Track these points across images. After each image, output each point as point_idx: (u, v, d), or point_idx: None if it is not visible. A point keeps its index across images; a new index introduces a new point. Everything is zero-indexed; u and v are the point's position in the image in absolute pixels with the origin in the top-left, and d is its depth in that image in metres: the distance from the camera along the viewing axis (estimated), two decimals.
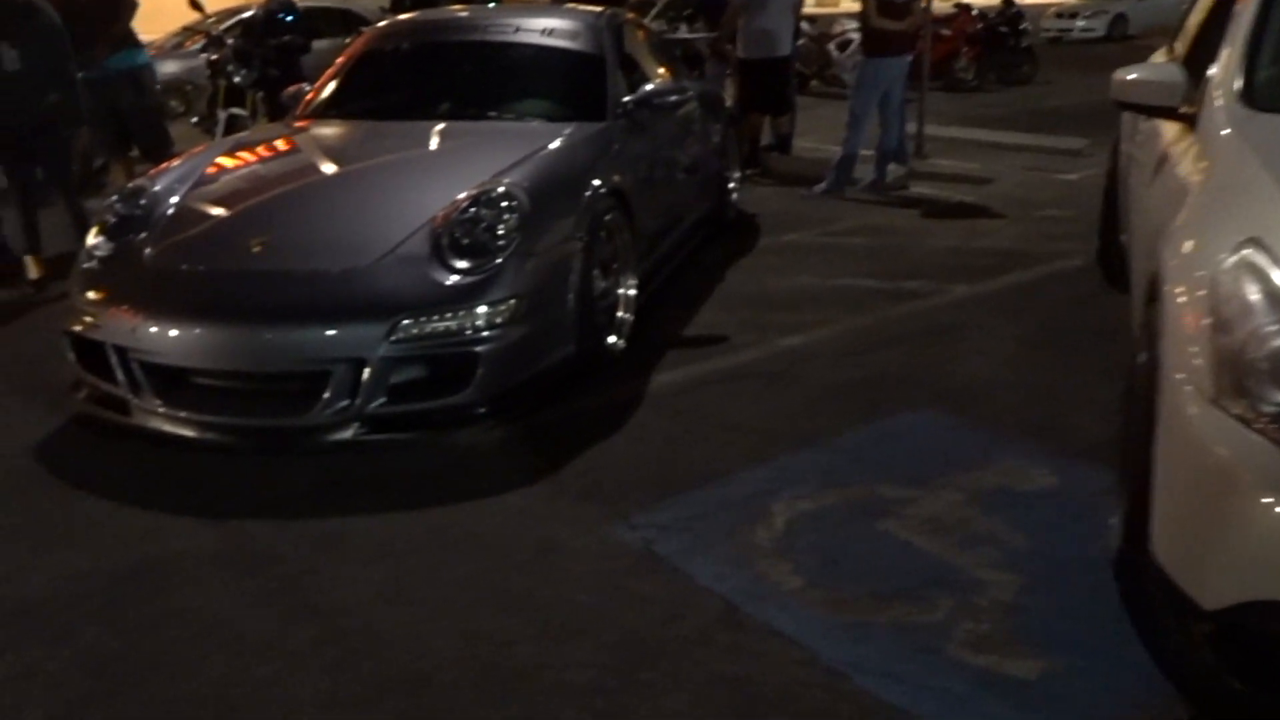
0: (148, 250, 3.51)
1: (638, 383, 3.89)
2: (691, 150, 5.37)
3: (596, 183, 3.91)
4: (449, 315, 3.21)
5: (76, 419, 3.65)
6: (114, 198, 3.81)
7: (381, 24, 5.25)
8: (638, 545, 2.77)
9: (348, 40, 11.26)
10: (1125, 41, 22.49)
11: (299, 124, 4.61)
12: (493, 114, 4.46)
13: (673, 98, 4.65)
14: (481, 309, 3.24)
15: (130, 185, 3.88)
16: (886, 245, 5.94)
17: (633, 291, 4.21)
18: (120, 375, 3.37)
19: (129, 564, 2.77)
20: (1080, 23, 23.38)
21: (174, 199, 3.76)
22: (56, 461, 3.41)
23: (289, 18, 8.91)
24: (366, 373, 3.16)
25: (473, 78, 4.76)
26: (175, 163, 4.11)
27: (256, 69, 8.43)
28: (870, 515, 2.87)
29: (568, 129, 4.17)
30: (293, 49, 8.90)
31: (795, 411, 3.63)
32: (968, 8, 14.23)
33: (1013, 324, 4.49)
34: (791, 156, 8.66)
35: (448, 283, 3.26)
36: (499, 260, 3.32)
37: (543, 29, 4.80)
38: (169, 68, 11.58)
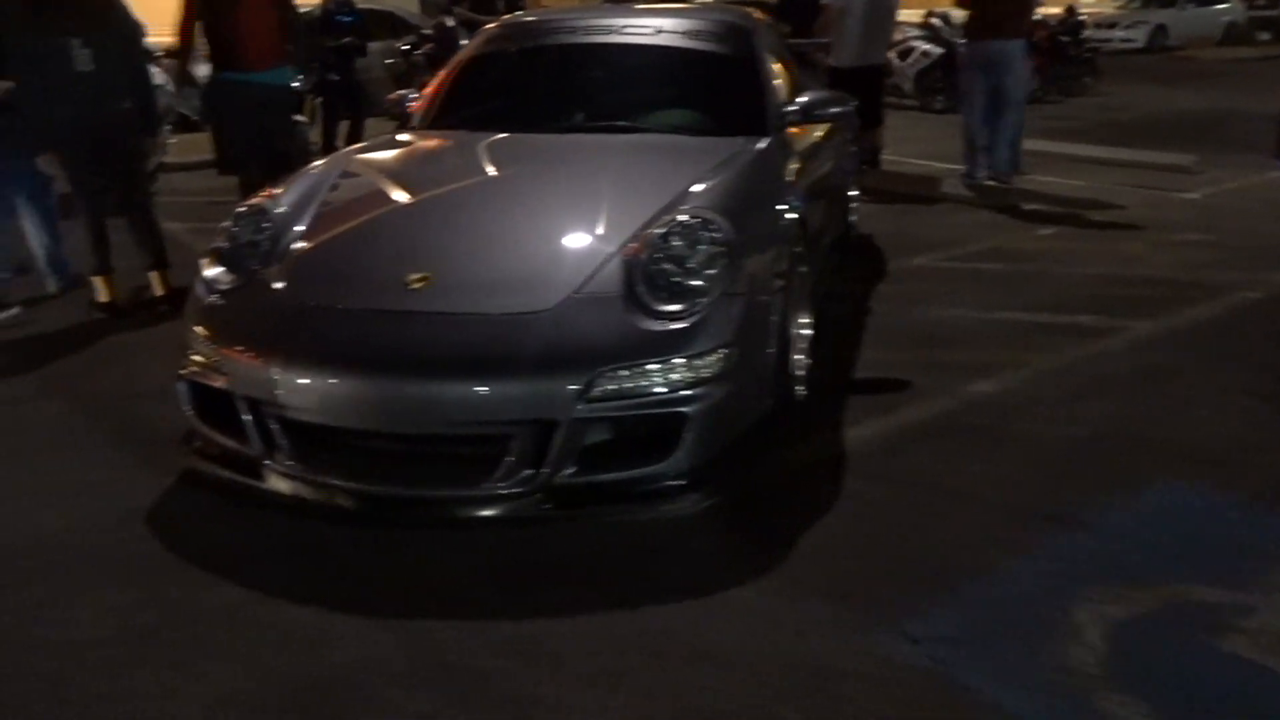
0: (280, 284, 2.99)
1: (829, 440, 3.37)
2: (833, 165, 4.86)
3: (785, 208, 3.39)
4: (653, 369, 2.68)
5: (188, 477, 3.12)
6: (228, 222, 3.28)
7: (499, 23, 4.70)
8: (927, 667, 2.24)
9: (398, 44, 10.81)
10: (1165, 53, 22.06)
11: (420, 135, 4.08)
12: (639, 126, 3.92)
13: (834, 109, 4.12)
14: (690, 361, 2.71)
15: (246, 207, 3.34)
16: (1028, 272, 5.42)
17: (807, 330, 3.69)
18: (252, 432, 2.84)
19: (301, 680, 2.24)
20: (1119, 33, 22.90)
21: (302, 223, 3.23)
22: (175, 535, 2.88)
23: (348, 19, 8.41)
24: (557, 437, 2.64)
25: (612, 85, 4.24)
26: (292, 180, 3.57)
27: (315, 73, 7.92)
28: (1202, 628, 2.35)
29: (734, 144, 3.64)
30: (350, 51, 8.41)
31: (1026, 478, 3.11)
32: (1040, 19, 13.72)
33: (1225, 369, 3.97)
34: (881, 171, 8.15)
35: (651, 329, 2.73)
36: (705, 302, 2.79)
37: (688, 30, 4.27)
38: (205, 70, 11.07)
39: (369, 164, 3.73)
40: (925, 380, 3.84)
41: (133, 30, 4.98)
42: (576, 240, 3.05)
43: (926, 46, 12.98)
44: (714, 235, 2.92)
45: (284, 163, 5.87)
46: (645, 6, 4.65)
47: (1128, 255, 5.73)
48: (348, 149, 3.95)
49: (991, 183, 7.47)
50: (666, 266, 2.86)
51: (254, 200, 3.36)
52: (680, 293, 2.81)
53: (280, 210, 3.28)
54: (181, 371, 3.04)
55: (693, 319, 2.76)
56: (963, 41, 7.75)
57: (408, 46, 9.90)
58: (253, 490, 2.88)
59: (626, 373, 2.66)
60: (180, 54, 5.42)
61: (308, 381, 2.74)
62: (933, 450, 3.30)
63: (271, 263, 3.09)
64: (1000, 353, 4.16)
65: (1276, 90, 13.90)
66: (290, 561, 2.74)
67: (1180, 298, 4.88)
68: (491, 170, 3.61)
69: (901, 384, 3.82)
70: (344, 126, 8.57)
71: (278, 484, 2.84)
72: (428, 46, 9.12)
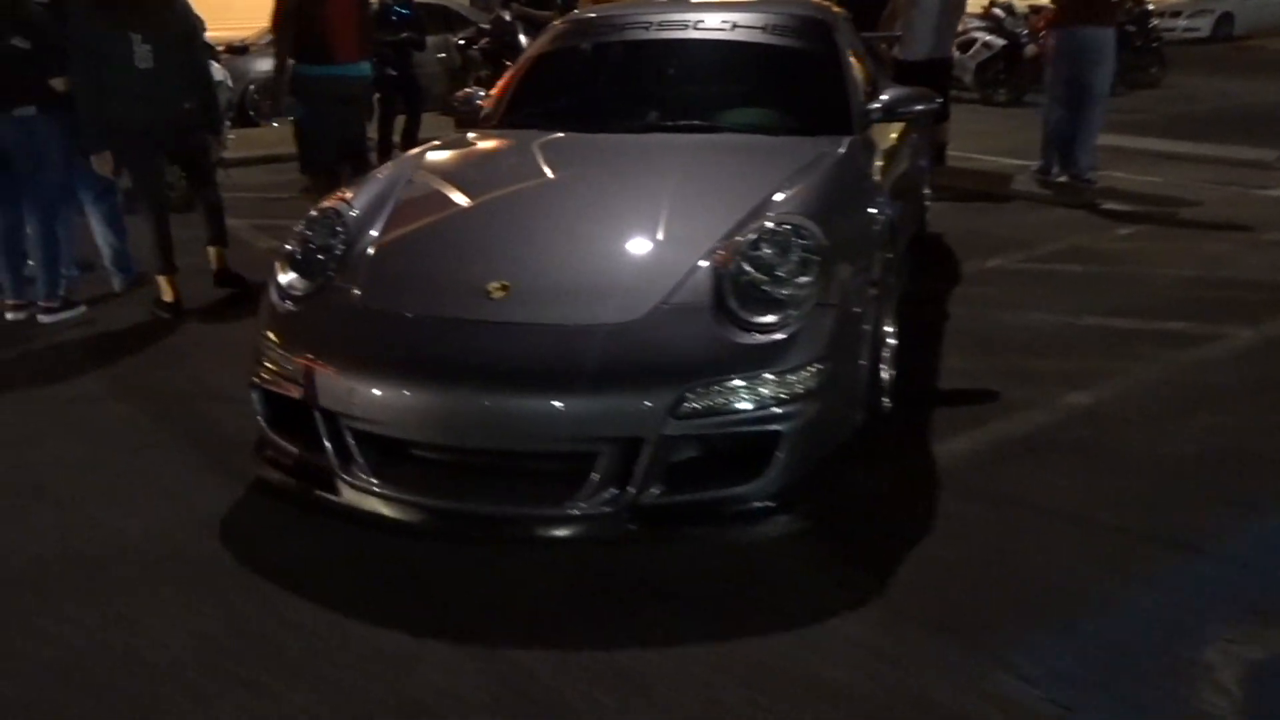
0: (357, 291, 2.89)
1: (919, 455, 3.22)
2: (911, 164, 4.68)
3: (875, 211, 3.24)
4: (746, 384, 2.55)
5: (259, 486, 3.05)
6: (301, 226, 3.19)
7: (567, 19, 4.58)
8: (1052, 715, 2.08)
9: (454, 38, 10.72)
10: (1231, 42, 21.43)
11: (489, 134, 3.97)
12: (716, 125, 3.78)
13: (919, 106, 3.95)
14: (784, 376, 2.57)
15: (319, 210, 3.25)
16: (1111, 274, 5.21)
17: (893, 340, 3.54)
18: (328, 445, 2.75)
19: (379, 706, 2.14)
20: (1183, 22, 22.23)
21: (376, 227, 3.13)
22: (251, 547, 2.80)
23: (405, 12, 8.34)
24: (644, 454, 2.52)
25: (686, 82, 4.10)
26: (364, 183, 3.48)
27: (375, 68, 7.84)
28: None
29: (818, 145, 3.49)
30: (408, 46, 8.33)
31: (1135, 498, 2.93)
32: None
33: None
34: (947, 167, 7.92)
35: (742, 342, 2.60)
36: (798, 313, 2.65)
37: (765, 24, 4.11)
38: (263, 65, 11.08)
39: (440, 165, 3.62)
40: (1015, 391, 3.67)
41: (193, 27, 4.93)
42: (660, 247, 2.92)
43: (988, 38, 12.67)
44: (805, 243, 2.78)
45: (364, 159, 5.86)
46: (715, 1, 4.49)
47: (1215, 256, 5.48)
48: (418, 149, 3.83)
49: (1066, 180, 7.22)
50: (757, 276, 2.73)
51: (327, 203, 3.27)
52: (772, 304, 2.68)
53: (354, 214, 3.19)
54: (254, 379, 2.96)
55: (786, 331, 2.63)
56: (1043, 31, 7.48)
57: (463, 41, 9.82)
58: (327, 503, 2.80)
59: (718, 388, 2.53)
60: (279, 47, 5.34)
61: (385, 393, 2.64)
62: (1031, 467, 3.13)
63: (346, 268, 3.00)
64: (1092, 361, 3.97)
65: None
66: (368, 579, 2.66)
67: (1272, 303, 4.64)
68: (566, 172, 3.48)
69: (990, 395, 3.65)
70: (400, 122, 8.51)
71: (353, 498, 2.74)
72: (484, 41, 9.03)
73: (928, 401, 3.60)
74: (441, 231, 3.12)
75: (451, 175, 3.51)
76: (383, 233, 3.11)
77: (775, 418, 2.57)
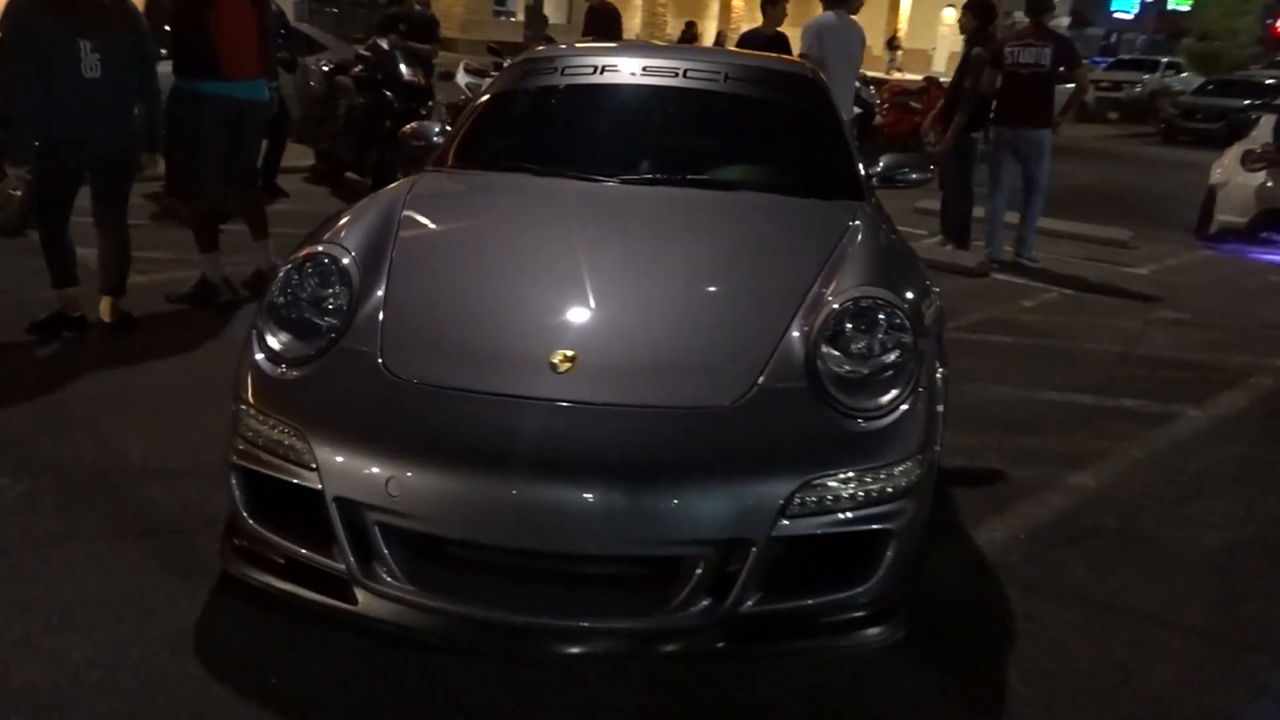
0: (378, 357, 2.41)
1: (960, 545, 3.03)
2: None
3: (928, 285, 3.05)
4: (857, 478, 2.26)
5: (228, 587, 2.48)
6: (284, 273, 2.67)
7: (543, 53, 4.18)
8: None
9: (319, 63, 9.97)
10: None
11: (469, 175, 3.50)
12: (731, 182, 3.48)
13: (914, 175, 3.82)
14: (892, 468, 2.31)
15: (305, 256, 2.72)
16: (1042, 347, 5.28)
17: None
18: (343, 541, 2.25)
19: None
20: None
21: (379, 280, 2.65)
22: (238, 670, 2.26)
23: (283, 32, 7.69)
24: (750, 559, 2.18)
25: (686, 132, 3.81)
26: (339, 224, 2.97)
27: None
28: None
29: (843, 209, 3.26)
30: (281, 67, 7.64)
31: (1197, 593, 2.85)
32: (938, 82, 14.08)
33: None
34: None
35: (850, 430, 2.32)
36: (897, 398, 2.40)
37: (761, 78, 3.89)
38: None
39: (435, 209, 3.14)
40: (1018, 471, 3.57)
41: (145, 35, 4.36)
42: (733, 317, 2.60)
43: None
44: (894, 319, 2.54)
45: (252, 188, 5.21)
46: (710, 48, 4.24)
47: (1127, 332, 5.67)
48: (394, 186, 3.34)
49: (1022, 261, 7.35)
50: (848, 354, 2.46)
51: (315, 248, 2.75)
52: (868, 386, 2.41)
53: (348, 262, 2.69)
54: (234, 458, 2.41)
55: (889, 418, 2.36)
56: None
57: (330, 67, 9.16)
58: (336, 613, 2.29)
59: (831, 483, 2.23)
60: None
61: (432, 482, 2.19)
62: (1080, 559, 3.00)
63: (354, 328, 2.51)
64: (1074, 440, 3.94)
65: (1155, 168, 14.78)
66: (408, 710, 2.17)
67: (1205, 381, 4.82)
68: (597, 227, 3.07)
69: (997, 475, 3.54)
70: (263, 147, 7.80)
71: (374, 607, 2.25)
72: (358, 69, 8.45)
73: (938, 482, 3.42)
74: (473, 289, 2.67)
75: (456, 222, 3.08)
76: (392, 287, 2.63)
77: (887, 515, 2.29)
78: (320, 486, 2.26)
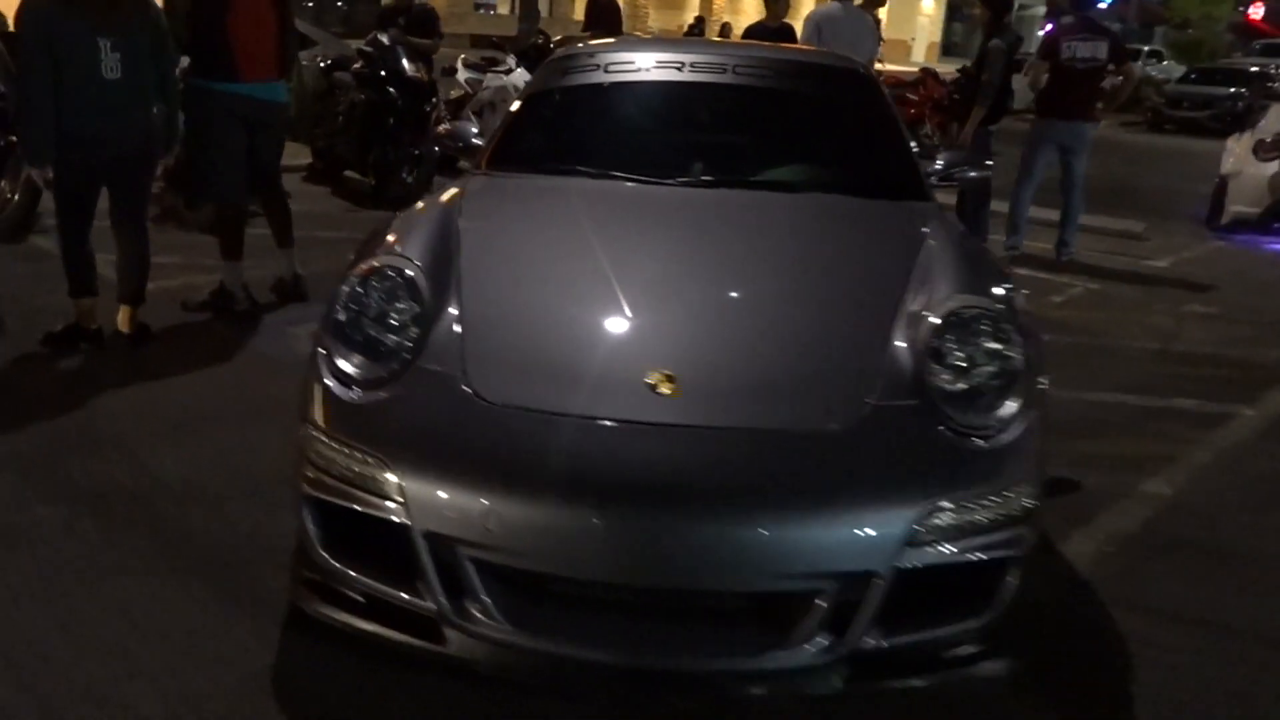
0: (464, 383, 2.25)
1: (1049, 561, 2.91)
2: None
3: (1013, 290, 2.91)
4: (982, 502, 2.13)
5: (299, 622, 2.32)
6: (349, 288, 2.49)
7: (571, 50, 4.02)
8: None
9: (318, 60, 9.72)
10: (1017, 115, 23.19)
11: (521, 178, 3.34)
12: (786, 182, 3.34)
13: (973, 173, 3.70)
14: (1013, 490, 2.18)
15: (370, 269, 2.54)
16: (1080, 345, 5.17)
17: None
18: (433, 579, 2.10)
19: None
20: None
21: (450, 295, 2.48)
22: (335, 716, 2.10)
23: None
24: (874, 592, 2.04)
25: (741, 132, 3.65)
26: (393, 235, 2.80)
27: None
28: None
29: (914, 210, 3.15)
30: None
31: None
32: (934, 73, 13.99)
33: None
34: None
35: (968, 451, 2.19)
36: (1010, 416, 2.27)
37: (812, 73, 3.75)
38: None
39: (493, 215, 2.98)
40: (1091, 478, 3.45)
41: (165, 33, 4.16)
42: (830, 330, 2.47)
43: None
44: (1001, 330, 2.41)
45: (276, 192, 5.02)
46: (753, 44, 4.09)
47: (1161, 330, 5.58)
48: (445, 195, 3.17)
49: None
50: (956, 368, 2.33)
51: (377, 262, 2.58)
52: (981, 403, 2.27)
53: (414, 274, 2.52)
54: (308, 490, 2.25)
55: (1006, 436, 2.23)
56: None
57: (327, 63, 8.93)
58: (424, 654, 2.14)
59: (954, 508, 2.10)
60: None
61: (533, 515, 2.04)
62: (1172, 573, 2.89)
63: (431, 348, 2.35)
64: (1138, 444, 3.85)
65: (1148, 157, 14.77)
66: None
67: (1250, 379, 4.73)
68: (668, 232, 2.92)
69: (1071, 484, 3.42)
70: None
71: (467, 647, 2.10)
72: (358, 65, 8.23)
73: None
74: (554, 303, 2.51)
75: (522, 231, 2.91)
76: (466, 302, 2.47)
77: (1009, 541, 2.16)
78: (408, 520, 2.10)
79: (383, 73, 7.81)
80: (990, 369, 2.34)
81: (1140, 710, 2.27)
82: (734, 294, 2.59)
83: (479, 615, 2.08)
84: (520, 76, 8.34)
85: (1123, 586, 2.78)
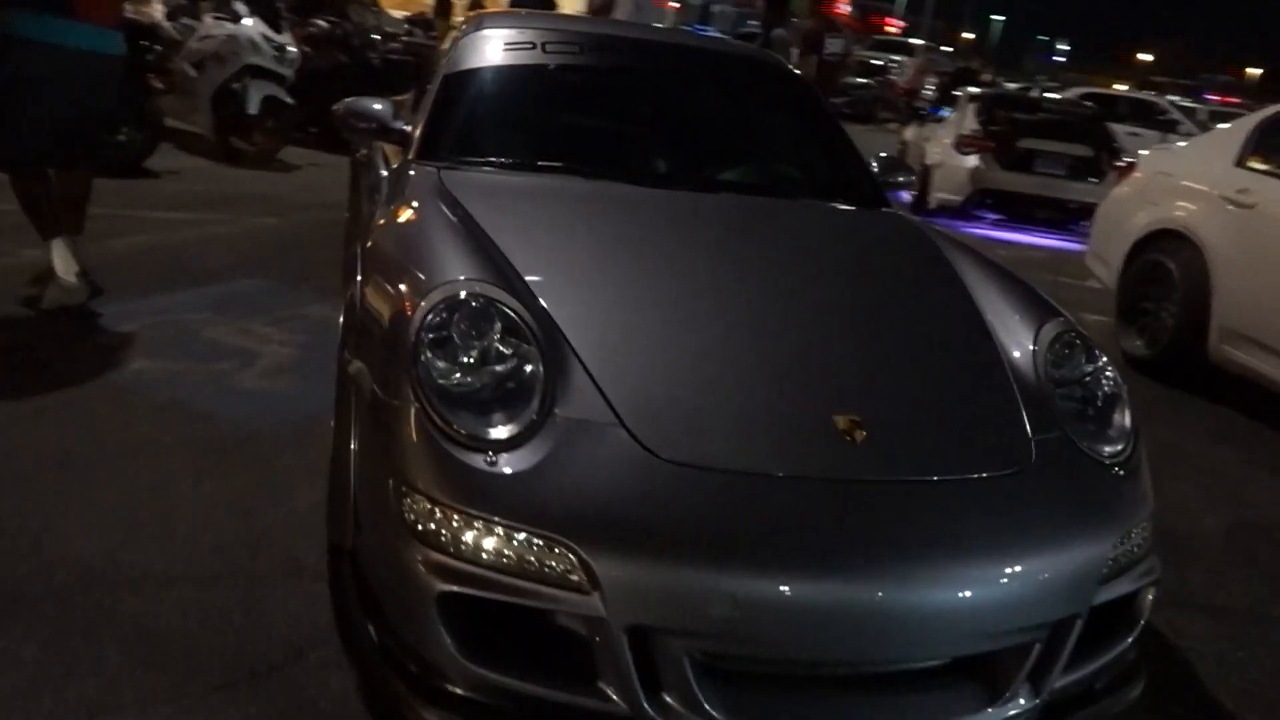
0: (630, 434, 1.88)
1: None
2: None
3: None
4: (1140, 531, 2.16)
5: None
6: (425, 334, 1.98)
7: (492, 21, 3.47)
8: None
9: None
10: None
11: (489, 173, 2.87)
12: (779, 188, 3.18)
13: (900, 177, 3.70)
14: (1147, 522, 2.23)
15: (440, 301, 2.04)
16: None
17: None
18: (633, 679, 1.76)
19: None
20: None
21: (551, 328, 2.07)
22: None
23: None
24: (1073, 633, 2.00)
25: (696, 126, 3.40)
26: (425, 253, 2.28)
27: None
28: None
29: (895, 220, 3.14)
30: None
31: None
32: None
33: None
34: None
35: (1119, 481, 2.18)
36: (1135, 438, 2.30)
37: (741, 65, 3.58)
38: None
39: (513, 222, 2.44)
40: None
41: None
42: (949, 356, 2.38)
43: None
44: (1093, 352, 2.44)
45: (92, 163, 4.03)
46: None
47: None
48: (418, 191, 2.63)
49: None
50: (1071, 397, 2.34)
51: (456, 288, 2.07)
52: (1104, 431, 2.29)
53: (507, 301, 2.07)
54: (442, 586, 1.80)
55: (1135, 462, 2.26)
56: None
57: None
58: None
59: (1126, 540, 2.11)
60: None
61: (774, 595, 1.76)
62: (1195, 569, 3.10)
63: (566, 392, 1.96)
64: None
65: None
66: None
67: None
68: (706, 248, 2.59)
69: None
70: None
71: None
72: None
73: None
74: (671, 335, 2.17)
75: (563, 245, 2.47)
76: (569, 333, 2.08)
77: (1153, 567, 2.22)
78: (601, 613, 1.75)
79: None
80: (1105, 390, 2.38)
81: (1238, 697, 2.42)
82: (846, 324, 2.41)
83: (681, 709, 1.79)
84: (256, 27, 7.23)
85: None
